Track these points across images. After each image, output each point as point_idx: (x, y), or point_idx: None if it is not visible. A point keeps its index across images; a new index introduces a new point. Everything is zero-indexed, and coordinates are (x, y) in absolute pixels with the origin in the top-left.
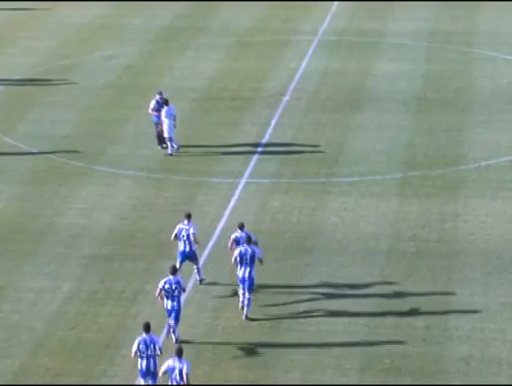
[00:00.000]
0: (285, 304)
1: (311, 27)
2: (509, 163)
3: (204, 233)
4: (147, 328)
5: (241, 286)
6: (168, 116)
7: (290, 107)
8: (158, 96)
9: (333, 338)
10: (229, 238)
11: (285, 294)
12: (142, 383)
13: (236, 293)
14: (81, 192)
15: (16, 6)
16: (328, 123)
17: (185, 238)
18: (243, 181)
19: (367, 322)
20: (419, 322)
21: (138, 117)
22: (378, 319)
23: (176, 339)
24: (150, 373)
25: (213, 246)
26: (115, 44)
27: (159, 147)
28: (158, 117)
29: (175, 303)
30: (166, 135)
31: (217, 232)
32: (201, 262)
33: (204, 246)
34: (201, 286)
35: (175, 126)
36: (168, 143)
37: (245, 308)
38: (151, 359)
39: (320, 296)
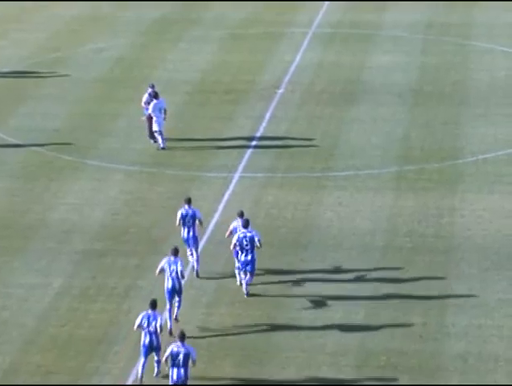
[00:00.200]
0: (279, 300)
1: (306, 19)
2: (506, 157)
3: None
4: (154, 305)
5: (241, 272)
6: (157, 109)
7: (284, 100)
8: (150, 90)
9: (329, 334)
10: (228, 226)
11: (279, 290)
12: (142, 360)
13: (231, 284)
14: (73, 187)
15: None
16: (323, 116)
17: (191, 223)
18: (237, 175)
19: (363, 318)
20: (415, 318)
21: (130, 111)
22: (374, 316)
23: (176, 318)
24: (153, 348)
25: (207, 241)
26: (107, 36)
27: (152, 141)
28: None
29: (176, 282)
30: (155, 129)
31: (211, 227)
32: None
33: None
34: (195, 282)
35: (164, 120)
36: (159, 137)
37: (245, 285)
38: (153, 335)
39: (314, 292)
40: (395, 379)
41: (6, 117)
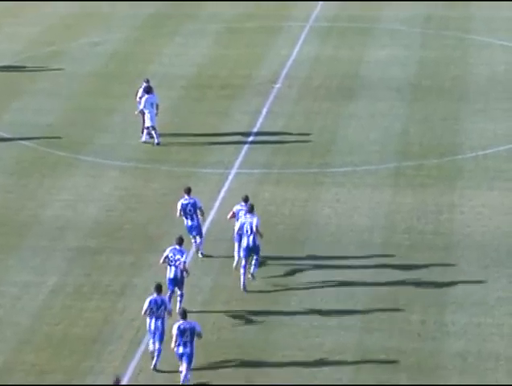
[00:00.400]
0: (276, 298)
1: (303, 13)
2: (506, 153)
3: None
4: (159, 289)
5: (248, 258)
6: (149, 104)
7: (281, 95)
8: (145, 84)
9: (326, 333)
10: (231, 209)
11: (277, 288)
12: (151, 343)
13: (227, 282)
14: (67, 183)
15: None
16: (321, 111)
17: (192, 212)
18: (233, 171)
19: (361, 316)
20: (414, 316)
21: (125, 106)
22: (372, 314)
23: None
24: (158, 332)
25: (203, 239)
26: (101, 30)
27: (148, 137)
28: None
29: (179, 272)
30: (148, 124)
31: (207, 224)
32: (191, 255)
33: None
34: (190, 280)
35: (156, 115)
36: (153, 132)
37: (253, 267)
38: (160, 320)
39: (312, 290)
40: (394, 378)
41: (0, 112)
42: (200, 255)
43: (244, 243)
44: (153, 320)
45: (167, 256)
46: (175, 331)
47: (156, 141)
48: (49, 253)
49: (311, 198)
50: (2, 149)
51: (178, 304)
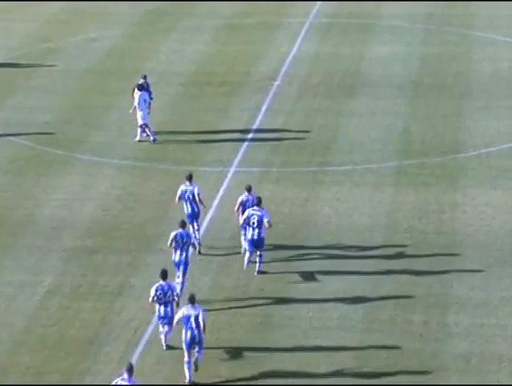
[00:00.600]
0: (276, 298)
1: (303, 9)
2: (509, 151)
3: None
4: (164, 275)
5: (252, 250)
6: (142, 101)
7: (280, 92)
8: (142, 80)
9: (326, 333)
10: (236, 201)
11: (276, 288)
12: (161, 328)
13: (226, 281)
14: (63, 182)
15: None
16: (321, 109)
17: (191, 199)
18: (232, 170)
19: (362, 317)
20: (416, 317)
21: (122, 103)
22: (373, 314)
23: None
24: (167, 318)
25: (202, 238)
26: (98, 27)
27: (144, 134)
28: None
29: (184, 256)
30: (140, 122)
31: (206, 222)
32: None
33: None
34: (189, 280)
35: (148, 113)
36: (146, 130)
37: (257, 264)
38: (169, 305)
39: (312, 290)
40: (395, 380)
41: None
42: (196, 246)
43: (249, 235)
44: (162, 307)
45: (174, 239)
46: (178, 317)
47: (152, 138)
48: (45, 253)
49: (311, 197)
50: None
51: (179, 287)
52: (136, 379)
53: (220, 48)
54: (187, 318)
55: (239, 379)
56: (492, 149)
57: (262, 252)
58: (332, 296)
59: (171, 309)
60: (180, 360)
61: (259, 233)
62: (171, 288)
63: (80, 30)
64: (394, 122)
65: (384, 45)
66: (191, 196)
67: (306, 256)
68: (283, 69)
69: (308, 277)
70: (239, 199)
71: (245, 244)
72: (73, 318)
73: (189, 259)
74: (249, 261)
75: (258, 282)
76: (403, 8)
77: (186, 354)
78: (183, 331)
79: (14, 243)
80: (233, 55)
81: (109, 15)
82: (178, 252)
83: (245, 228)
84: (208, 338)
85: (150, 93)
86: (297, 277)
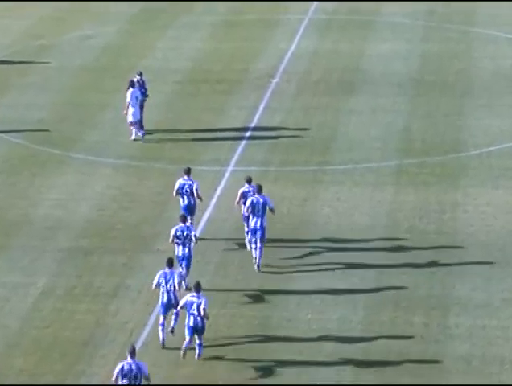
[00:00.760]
0: (274, 300)
1: (302, 5)
2: (511, 150)
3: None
4: (170, 263)
5: (252, 239)
6: (134, 98)
7: (279, 90)
8: (138, 77)
9: (326, 336)
10: (237, 193)
11: (274, 289)
12: (161, 319)
13: (224, 284)
14: (57, 181)
15: None
16: (320, 107)
17: (189, 193)
18: (229, 169)
19: (361, 318)
20: (416, 318)
21: (117, 101)
22: (373, 316)
23: (187, 287)
24: (171, 306)
25: (199, 238)
26: (93, 23)
27: (140, 133)
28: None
29: (187, 250)
30: (130, 120)
31: (203, 223)
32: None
33: None
34: (186, 280)
35: (142, 111)
36: (133, 128)
37: (258, 259)
38: (171, 293)
39: (311, 291)
40: (395, 382)
41: None
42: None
43: (252, 223)
44: (164, 294)
45: (175, 235)
46: (182, 302)
47: (140, 134)
48: (39, 254)
49: (310, 196)
50: None
51: (184, 270)
52: (140, 361)
53: (217, 45)
54: (191, 304)
55: (237, 381)
56: (493, 148)
57: (264, 243)
58: (331, 297)
59: (175, 296)
60: (177, 363)
61: (262, 222)
62: (173, 277)
63: (75, 27)
64: (394, 120)
65: (384, 42)
66: (189, 190)
67: (305, 257)
68: (282, 66)
69: (307, 278)
70: (240, 191)
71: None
72: (68, 320)
73: (192, 253)
74: (259, 261)
75: (256, 284)
76: (404, 4)
77: (187, 338)
78: (186, 317)
79: (8, 243)
80: (230, 53)
81: (104, 12)
82: (180, 247)
83: (248, 218)
84: (206, 340)
85: (145, 90)
86: (296, 278)
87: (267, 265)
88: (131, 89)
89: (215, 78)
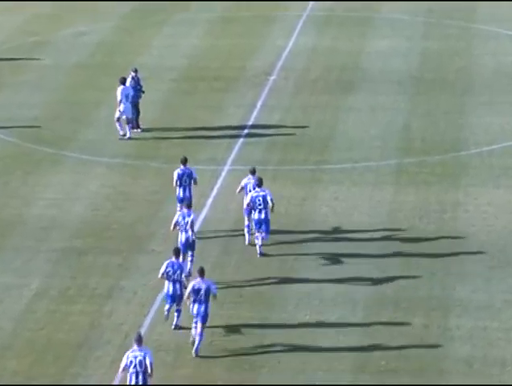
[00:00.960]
0: (272, 301)
1: (300, 1)
2: None
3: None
4: (177, 253)
5: (256, 232)
6: (125, 96)
7: (277, 87)
8: (133, 74)
9: (324, 338)
10: (239, 183)
11: (272, 290)
12: (167, 307)
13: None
14: (51, 180)
15: None
16: (318, 105)
17: (187, 183)
18: (226, 168)
19: (361, 320)
20: (416, 320)
21: (112, 99)
22: (373, 318)
23: (189, 273)
24: (176, 297)
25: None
26: (88, 20)
27: (139, 130)
28: (137, 97)
29: (190, 234)
30: (117, 116)
31: (199, 222)
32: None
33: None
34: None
35: (134, 107)
36: (117, 124)
37: (259, 244)
38: (177, 283)
39: (309, 292)
40: (395, 385)
41: None
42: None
43: (255, 216)
44: (170, 284)
45: (176, 222)
46: (189, 289)
47: (121, 133)
48: (33, 254)
49: (309, 196)
50: None
51: (189, 264)
52: (147, 349)
53: (214, 42)
54: (198, 291)
55: (235, 383)
56: (495, 146)
57: (268, 232)
58: (330, 298)
59: (181, 287)
60: (172, 365)
61: (266, 214)
62: (180, 267)
63: (69, 24)
64: (394, 119)
65: (384, 39)
66: (187, 180)
67: (303, 257)
68: (279, 64)
69: (306, 278)
70: (242, 183)
71: (251, 226)
72: (62, 322)
73: (196, 240)
74: (261, 247)
75: (253, 284)
76: (403, 1)
77: (194, 321)
78: (191, 304)
79: (1, 244)
80: (227, 50)
81: (99, 8)
82: (183, 233)
83: (250, 212)
84: (202, 343)
85: (140, 87)
86: (294, 279)
87: (266, 265)
88: (122, 86)
89: (212, 75)
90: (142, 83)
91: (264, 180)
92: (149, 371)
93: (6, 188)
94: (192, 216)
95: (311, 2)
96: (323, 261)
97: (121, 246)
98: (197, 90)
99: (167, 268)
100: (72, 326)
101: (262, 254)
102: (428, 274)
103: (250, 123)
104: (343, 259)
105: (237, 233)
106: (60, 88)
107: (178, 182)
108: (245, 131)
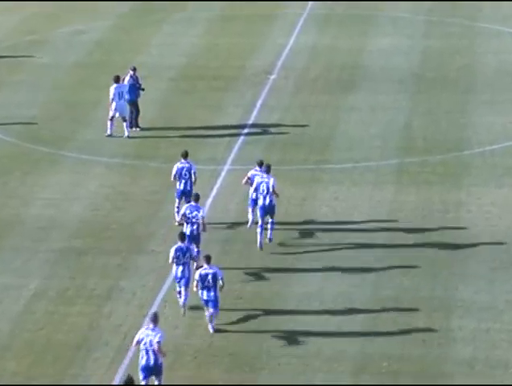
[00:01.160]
0: (272, 302)
1: (300, 0)
2: None
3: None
4: (182, 237)
5: (262, 218)
6: (117, 94)
7: (277, 87)
8: (132, 72)
9: (324, 339)
10: (245, 174)
11: (271, 291)
12: (178, 289)
13: None
14: (50, 180)
15: None
16: (319, 104)
17: (187, 177)
18: (226, 168)
19: (362, 321)
20: (418, 321)
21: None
22: (374, 319)
23: (196, 259)
24: (184, 277)
25: None
26: (86, 18)
27: (138, 129)
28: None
29: (195, 228)
30: (111, 114)
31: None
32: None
33: None
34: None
35: (131, 105)
36: (109, 123)
37: (269, 231)
38: (186, 266)
39: (309, 293)
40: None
41: None
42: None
43: (260, 202)
44: (179, 267)
45: (184, 214)
46: (196, 276)
47: (108, 132)
48: (31, 254)
49: (309, 196)
50: None
51: (195, 255)
52: (160, 330)
53: (213, 41)
54: (205, 276)
55: (235, 383)
56: (497, 146)
57: (274, 220)
58: (330, 299)
59: (189, 270)
60: (171, 367)
61: (270, 200)
62: (189, 250)
63: (67, 22)
64: (395, 118)
65: (385, 37)
66: (187, 174)
67: (303, 258)
68: (279, 62)
69: (306, 279)
70: (248, 174)
71: (254, 215)
72: (60, 323)
73: (200, 231)
74: (262, 232)
75: (253, 285)
76: (404, 0)
77: (207, 311)
78: (200, 291)
79: (0, 244)
80: (226, 48)
81: (97, 6)
82: (189, 225)
83: (255, 201)
84: (200, 345)
85: (139, 85)
86: (294, 280)
87: (266, 266)
88: (115, 85)
89: (211, 74)
90: (140, 81)
91: None
92: (156, 349)
93: (4, 188)
94: (201, 211)
95: (311, 1)
96: (323, 262)
97: (120, 246)
98: (196, 89)
99: (176, 252)
100: (71, 327)
101: (270, 240)
102: (430, 275)
103: (250, 122)
104: (343, 259)
105: (236, 234)
106: (59, 87)
107: (177, 177)
108: (245, 130)
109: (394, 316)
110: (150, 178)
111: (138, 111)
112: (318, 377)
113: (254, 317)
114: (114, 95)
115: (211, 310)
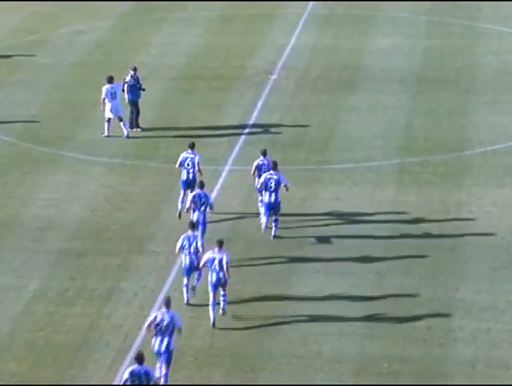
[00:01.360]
0: (273, 302)
1: (301, 0)
2: None
3: (184, 225)
4: (193, 225)
5: (264, 211)
6: (110, 95)
7: (277, 87)
8: (132, 72)
9: (325, 339)
10: (252, 165)
11: (274, 292)
12: (185, 281)
13: None
14: (49, 181)
15: None
16: (319, 104)
17: (190, 166)
18: (226, 168)
19: (362, 322)
20: (419, 322)
21: None
22: (375, 319)
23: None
24: (193, 268)
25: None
26: (86, 18)
27: (139, 129)
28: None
29: (202, 216)
30: (110, 116)
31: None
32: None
33: None
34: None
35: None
36: (106, 124)
37: (274, 228)
38: (194, 256)
39: (310, 293)
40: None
41: None
42: (213, 207)
43: (266, 198)
44: (187, 257)
45: (192, 200)
46: (203, 260)
47: (105, 133)
48: (31, 255)
49: (309, 196)
50: None
51: (200, 240)
52: (175, 312)
53: (213, 41)
54: (212, 260)
55: (236, 383)
56: (498, 146)
57: (279, 217)
58: (331, 299)
59: (197, 259)
60: (172, 367)
61: (276, 197)
62: (196, 239)
63: (67, 22)
64: (395, 118)
65: (385, 37)
66: (190, 164)
67: (304, 258)
68: (280, 62)
69: (306, 279)
70: (255, 163)
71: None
72: (60, 324)
73: (207, 219)
74: (266, 227)
75: (253, 285)
76: (405, 0)
77: (211, 295)
78: (209, 274)
79: None
80: (227, 48)
81: (97, 6)
82: (196, 212)
83: (262, 193)
84: (201, 346)
85: (140, 85)
86: (295, 280)
87: (267, 266)
88: (107, 85)
89: (211, 74)
90: (141, 81)
91: None
92: (174, 330)
93: (3, 188)
94: (209, 198)
95: (312, 1)
96: (323, 262)
97: (120, 247)
98: (197, 89)
99: (183, 241)
100: (71, 328)
101: (275, 237)
102: (431, 275)
103: (251, 123)
104: (344, 260)
105: (237, 234)
106: (59, 87)
107: (181, 165)
108: (246, 131)
109: (394, 316)
110: (150, 178)
111: (138, 111)
112: (319, 377)
113: (255, 317)
114: (106, 95)
115: (221, 292)
